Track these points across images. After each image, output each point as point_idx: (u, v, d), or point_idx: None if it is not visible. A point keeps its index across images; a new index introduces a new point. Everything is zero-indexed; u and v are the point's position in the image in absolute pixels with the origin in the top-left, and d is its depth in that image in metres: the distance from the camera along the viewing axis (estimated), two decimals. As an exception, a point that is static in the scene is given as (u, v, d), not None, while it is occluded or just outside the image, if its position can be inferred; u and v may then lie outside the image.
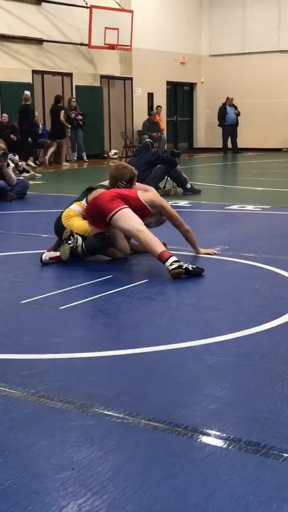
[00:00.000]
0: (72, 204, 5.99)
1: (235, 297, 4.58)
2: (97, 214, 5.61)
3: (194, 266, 5.14)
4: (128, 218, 5.42)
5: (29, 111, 16.43)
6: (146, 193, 5.77)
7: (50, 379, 3.11)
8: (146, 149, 10.69)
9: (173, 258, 5.11)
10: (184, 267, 5.06)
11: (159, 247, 5.19)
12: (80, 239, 5.64)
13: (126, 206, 5.49)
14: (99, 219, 5.62)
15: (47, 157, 17.08)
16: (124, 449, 2.47)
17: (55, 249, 5.74)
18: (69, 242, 5.58)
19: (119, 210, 5.43)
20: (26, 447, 2.49)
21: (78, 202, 5.96)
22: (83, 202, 5.92)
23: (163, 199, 5.84)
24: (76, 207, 5.93)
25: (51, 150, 17.28)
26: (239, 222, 8.09)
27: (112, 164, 17.84)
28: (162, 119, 21.22)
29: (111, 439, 2.53)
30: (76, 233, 5.66)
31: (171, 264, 5.06)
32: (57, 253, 5.64)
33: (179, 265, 5.06)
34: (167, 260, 5.09)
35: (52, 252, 5.66)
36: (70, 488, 2.21)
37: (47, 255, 5.64)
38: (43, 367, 3.29)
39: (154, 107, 21.17)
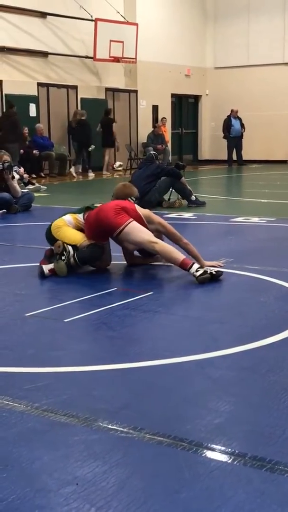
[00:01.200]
0: (65, 214, 6.00)
1: (240, 310, 4.57)
2: (100, 229, 5.64)
3: (215, 270, 5.37)
4: (138, 231, 5.52)
5: (86, 125, 17.65)
6: (142, 209, 5.83)
7: (54, 393, 3.10)
8: (151, 162, 10.71)
9: (196, 265, 5.33)
10: (209, 272, 5.29)
11: (178, 254, 5.39)
12: (71, 250, 5.66)
13: (132, 219, 5.52)
14: (102, 234, 5.67)
15: (105, 166, 18.75)
16: (128, 464, 2.46)
17: (49, 260, 5.72)
18: (63, 258, 5.61)
19: (128, 224, 5.48)
20: (30, 461, 2.47)
21: (73, 214, 5.98)
22: (79, 216, 5.93)
23: (158, 216, 5.88)
24: (69, 218, 5.94)
25: (106, 158, 18.90)
26: (244, 234, 8.08)
27: (117, 176, 17.92)
28: (167, 131, 21.25)
29: (115, 454, 2.52)
30: (67, 244, 5.67)
31: (196, 271, 5.27)
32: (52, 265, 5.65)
33: (204, 270, 5.29)
34: (191, 267, 5.30)
35: (50, 265, 5.67)
36: (74, 504, 2.19)
37: (46, 267, 5.64)
38: (47, 380, 3.28)
39: (159, 119, 21.23)
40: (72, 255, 5.64)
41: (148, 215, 5.78)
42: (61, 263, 5.59)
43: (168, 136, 21.03)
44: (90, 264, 5.81)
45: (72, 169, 17.74)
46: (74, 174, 17.53)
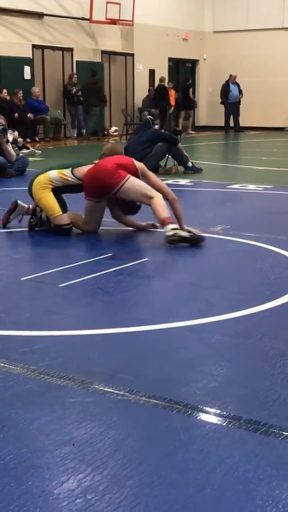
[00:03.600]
0: (51, 170, 5.95)
1: (236, 277, 4.60)
2: (99, 187, 5.68)
3: (191, 234, 5.35)
4: (135, 187, 5.58)
5: (164, 91, 19.69)
6: (138, 163, 5.88)
7: (50, 356, 3.13)
8: (147, 127, 10.63)
9: (172, 225, 5.33)
10: (178, 235, 5.29)
11: (164, 212, 5.44)
12: (44, 215, 5.89)
13: (129, 174, 5.54)
14: (100, 192, 5.73)
15: (180, 123, 20.55)
16: (124, 426, 2.50)
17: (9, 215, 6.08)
18: (31, 220, 5.94)
19: (125, 182, 5.50)
20: (27, 422, 2.51)
21: (60, 170, 5.92)
22: (67, 172, 5.89)
23: (151, 173, 5.95)
24: (55, 175, 5.89)
25: (180, 120, 20.87)
26: (240, 202, 8.08)
27: (113, 141, 17.83)
28: (173, 96, 20.99)
29: (111, 416, 2.56)
30: (40, 211, 5.91)
31: (168, 231, 5.31)
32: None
33: (176, 233, 5.29)
34: (167, 225, 5.33)
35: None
36: (70, 464, 2.24)
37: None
38: (43, 343, 3.32)
39: (156, 83, 21.00)
40: (45, 220, 5.91)
41: (143, 167, 5.82)
42: (28, 224, 5.96)
43: (172, 100, 20.80)
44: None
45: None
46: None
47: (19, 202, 6.07)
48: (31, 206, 6.05)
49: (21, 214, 6.08)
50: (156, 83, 20.55)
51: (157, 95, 19.78)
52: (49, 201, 5.81)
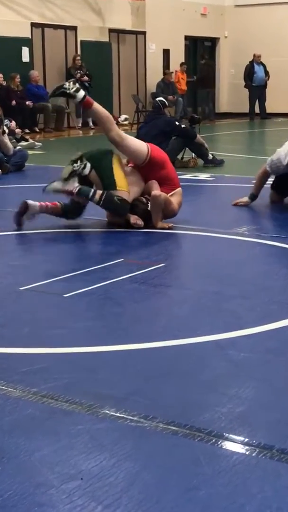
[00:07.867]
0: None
1: (265, 284, 4.59)
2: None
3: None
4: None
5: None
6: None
7: (54, 377, 3.13)
8: (158, 112, 10.54)
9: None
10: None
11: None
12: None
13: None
14: None
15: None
16: (140, 457, 2.49)
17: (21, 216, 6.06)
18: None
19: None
20: (28, 453, 2.51)
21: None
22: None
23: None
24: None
25: None
26: (268, 199, 8.05)
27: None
28: (185, 79, 21.06)
29: (124, 445, 2.55)
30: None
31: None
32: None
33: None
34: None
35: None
36: (78, 501, 2.22)
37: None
38: (46, 362, 3.32)
39: (171, 65, 21.02)
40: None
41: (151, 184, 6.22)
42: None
43: (184, 85, 20.83)
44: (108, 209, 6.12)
45: None
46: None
47: (29, 202, 6.01)
48: (46, 203, 6.08)
49: (34, 214, 6.05)
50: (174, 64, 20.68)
51: None
52: (121, 175, 6.12)
